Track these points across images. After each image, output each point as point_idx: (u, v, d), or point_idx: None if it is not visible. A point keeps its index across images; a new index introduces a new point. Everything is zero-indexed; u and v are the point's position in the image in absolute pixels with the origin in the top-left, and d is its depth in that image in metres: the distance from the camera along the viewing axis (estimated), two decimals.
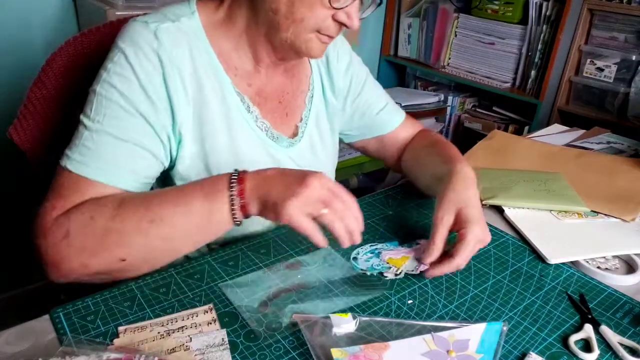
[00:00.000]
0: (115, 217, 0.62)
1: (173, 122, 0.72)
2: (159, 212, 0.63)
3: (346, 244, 0.65)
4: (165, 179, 0.78)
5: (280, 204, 0.61)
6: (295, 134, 0.86)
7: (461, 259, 0.70)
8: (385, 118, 0.99)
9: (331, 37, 0.74)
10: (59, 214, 0.63)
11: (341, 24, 0.73)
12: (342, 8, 0.70)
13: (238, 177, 0.64)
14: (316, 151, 0.90)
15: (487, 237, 0.73)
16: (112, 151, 0.67)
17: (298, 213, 0.61)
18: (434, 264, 0.71)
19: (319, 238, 0.63)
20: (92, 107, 0.67)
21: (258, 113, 0.80)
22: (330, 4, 0.69)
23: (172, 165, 0.75)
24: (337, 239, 0.65)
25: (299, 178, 0.63)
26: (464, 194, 0.75)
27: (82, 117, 0.68)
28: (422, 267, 0.72)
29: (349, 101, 0.95)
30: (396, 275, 0.70)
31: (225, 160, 0.77)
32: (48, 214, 0.63)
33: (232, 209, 0.63)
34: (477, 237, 0.71)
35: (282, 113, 0.85)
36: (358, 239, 0.66)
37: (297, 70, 0.88)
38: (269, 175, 0.64)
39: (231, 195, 0.63)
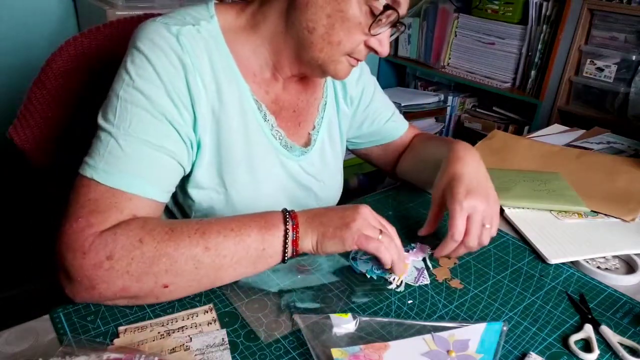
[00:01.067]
0: (168, 242, 0.60)
1: (194, 127, 0.71)
2: (215, 239, 0.61)
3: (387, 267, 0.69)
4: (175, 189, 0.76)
5: (342, 229, 0.65)
6: (307, 143, 0.86)
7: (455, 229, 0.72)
8: (393, 126, 1.00)
9: (359, 61, 0.75)
10: (97, 231, 0.59)
11: (370, 49, 0.73)
12: (378, 34, 0.71)
13: (291, 213, 0.66)
14: (326, 159, 0.90)
15: (479, 203, 0.74)
16: (142, 160, 0.64)
17: (361, 235, 0.65)
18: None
19: (387, 257, 0.66)
20: (115, 112, 0.64)
21: (274, 122, 0.80)
22: (369, 30, 0.69)
23: (189, 171, 0.74)
24: (384, 263, 0.67)
25: (350, 209, 0.67)
26: (458, 169, 0.77)
27: (103, 123, 0.64)
28: (422, 281, 0.72)
29: (360, 109, 0.96)
30: (397, 286, 0.70)
31: (238, 168, 0.77)
32: (84, 231, 0.59)
33: (285, 243, 0.64)
34: (467, 205, 0.73)
35: (296, 122, 0.84)
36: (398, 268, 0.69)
37: (312, 79, 0.87)
38: (315, 212, 0.68)
39: (286, 229, 0.64)
